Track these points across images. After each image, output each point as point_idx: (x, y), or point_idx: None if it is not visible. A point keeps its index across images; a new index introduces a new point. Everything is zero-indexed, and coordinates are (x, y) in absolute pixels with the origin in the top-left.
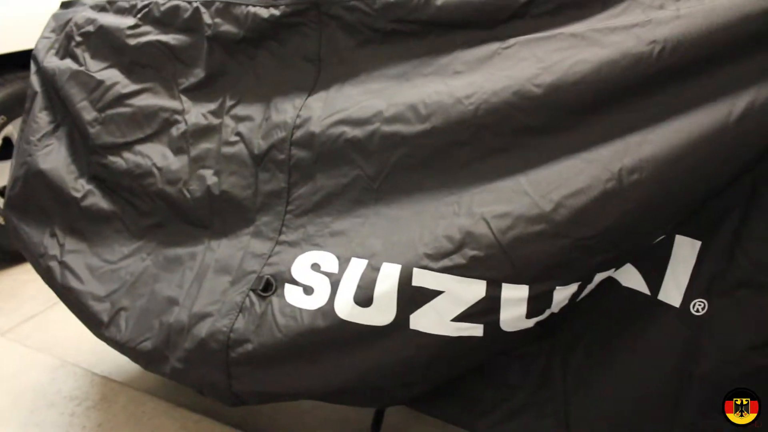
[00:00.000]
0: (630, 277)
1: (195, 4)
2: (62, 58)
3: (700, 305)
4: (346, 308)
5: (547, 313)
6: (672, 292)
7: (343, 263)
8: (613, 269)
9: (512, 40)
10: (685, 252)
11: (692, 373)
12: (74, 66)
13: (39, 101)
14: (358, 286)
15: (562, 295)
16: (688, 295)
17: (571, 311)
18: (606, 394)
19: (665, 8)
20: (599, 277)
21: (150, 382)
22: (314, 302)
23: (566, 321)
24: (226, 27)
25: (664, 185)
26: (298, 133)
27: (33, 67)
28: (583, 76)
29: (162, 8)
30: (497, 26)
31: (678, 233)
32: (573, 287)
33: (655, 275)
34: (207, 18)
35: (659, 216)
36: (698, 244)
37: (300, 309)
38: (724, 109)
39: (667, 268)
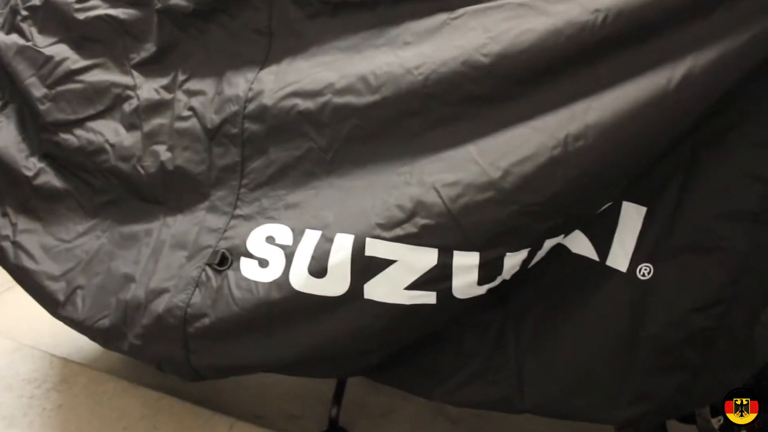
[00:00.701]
0: (579, 244)
1: None
2: (8, 33)
3: (645, 269)
4: (300, 279)
5: (498, 279)
6: (619, 258)
7: (298, 235)
8: (562, 235)
9: (461, 11)
10: (631, 218)
11: (639, 336)
12: (21, 41)
13: None
14: (312, 257)
15: (512, 261)
16: (635, 260)
17: (522, 279)
18: (557, 358)
19: None
20: (549, 244)
21: (110, 362)
22: (269, 275)
23: (518, 288)
24: (176, 0)
25: (608, 151)
26: (251, 107)
27: None
28: (529, 45)
29: None
30: None
31: (625, 200)
32: (523, 253)
33: (603, 241)
34: None
35: (604, 181)
36: (644, 209)
37: (255, 282)
38: (664, 76)
39: (614, 234)
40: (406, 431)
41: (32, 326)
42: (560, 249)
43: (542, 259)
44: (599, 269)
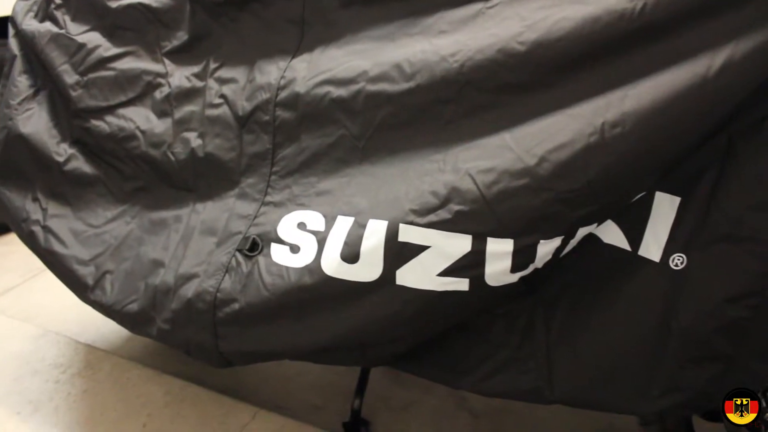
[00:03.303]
0: (611, 234)
1: None
2: (41, 21)
3: (678, 260)
4: (332, 265)
5: (531, 267)
6: (652, 248)
7: (330, 221)
8: (596, 224)
9: (495, 0)
10: (664, 208)
11: (671, 327)
12: (54, 29)
13: (18, 65)
14: (345, 243)
15: (545, 249)
16: (668, 250)
17: (553, 268)
18: (587, 348)
19: None
20: (582, 232)
21: (134, 349)
22: (301, 260)
23: (548, 278)
24: None
25: (645, 139)
26: (283, 94)
27: (11, 31)
28: (566, 32)
29: None
30: None
31: (658, 190)
32: (557, 241)
33: (635, 231)
34: None
35: (640, 169)
36: (677, 200)
37: (286, 267)
38: (703, 65)
39: (647, 224)
40: (427, 424)
41: (58, 313)
42: (592, 239)
43: (573, 249)
44: (631, 259)
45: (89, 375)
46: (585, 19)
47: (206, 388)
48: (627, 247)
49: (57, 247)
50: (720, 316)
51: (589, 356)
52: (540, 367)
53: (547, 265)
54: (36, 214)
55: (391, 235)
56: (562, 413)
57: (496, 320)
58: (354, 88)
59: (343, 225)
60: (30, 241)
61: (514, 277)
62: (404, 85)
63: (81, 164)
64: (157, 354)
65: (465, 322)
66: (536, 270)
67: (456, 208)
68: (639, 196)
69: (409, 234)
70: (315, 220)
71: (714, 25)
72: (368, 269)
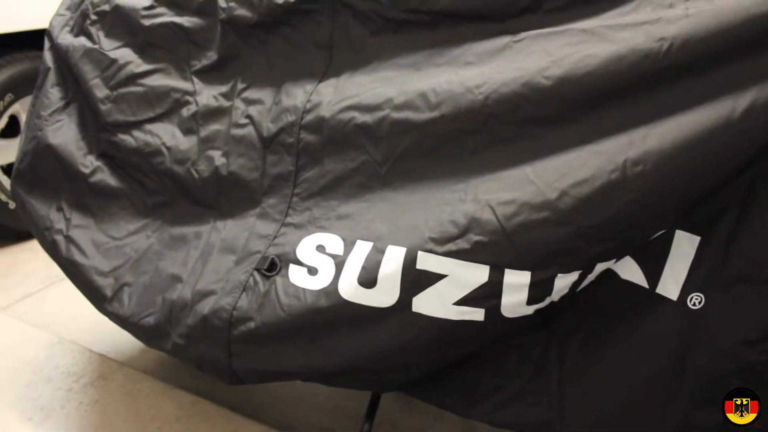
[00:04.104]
0: (629, 270)
1: None
2: (76, 35)
3: (697, 299)
4: (349, 289)
5: (547, 300)
6: (670, 286)
7: (348, 245)
8: (614, 260)
9: (523, 34)
10: (684, 247)
11: (686, 366)
12: (88, 44)
13: (51, 77)
14: (363, 268)
15: (563, 282)
16: (686, 289)
17: (569, 302)
18: (600, 383)
19: (675, 7)
20: (600, 268)
21: (147, 362)
22: (318, 283)
23: (564, 312)
24: (241, 11)
25: (666, 178)
26: (308, 118)
27: (47, 44)
28: (591, 69)
29: None
30: (508, 20)
31: (678, 228)
32: (574, 275)
33: (654, 269)
34: (222, 2)
35: (660, 208)
36: (697, 239)
37: (304, 289)
38: (728, 106)
39: (666, 263)
40: None
41: (73, 322)
42: (609, 274)
43: (591, 284)
44: (648, 296)
45: (102, 385)
46: (611, 57)
47: (217, 405)
48: (645, 284)
49: (78, 257)
50: (736, 359)
51: (601, 391)
52: (552, 400)
53: (563, 298)
54: (59, 223)
55: (410, 262)
56: None
57: (509, 351)
58: (379, 114)
59: (362, 249)
60: (52, 249)
61: (530, 309)
62: (429, 115)
63: (106, 177)
64: (169, 368)
65: (479, 351)
66: (552, 303)
67: (475, 238)
68: (659, 233)
69: (427, 262)
70: (334, 243)
71: (740, 68)
72: (385, 295)
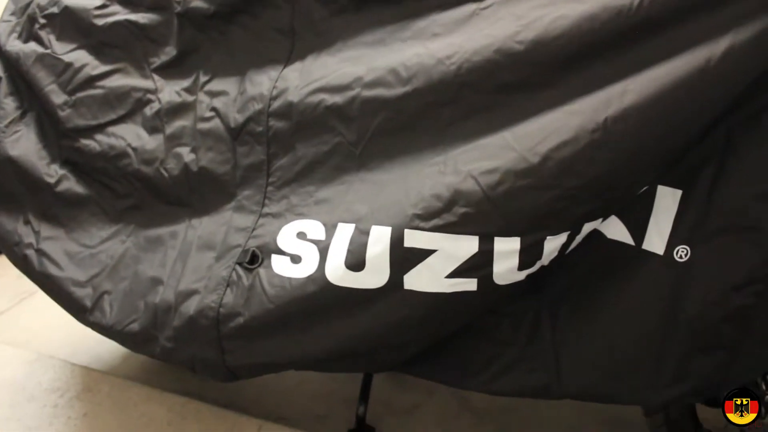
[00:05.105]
0: (615, 229)
1: None
2: (26, 41)
3: (683, 251)
4: (337, 273)
5: (537, 265)
6: (655, 241)
7: (330, 229)
8: (601, 219)
9: (489, 0)
10: (666, 201)
11: (677, 318)
12: (39, 49)
13: (3, 87)
14: (349, 251)
15: (552, 245)
16: (671, 243)
17: (557, 266)
18: (594, 343)
19: None
20: (587, 228)
21: (131, 368)
22: (303, 270)
23: (553, 275)
24: (197, 3)
25: (648, 133)
26: (276, 104)
27: None
28: (563, 30)
29: None
30: None
31: (660, 183)
32: (563, 237)
33: (638, 226)
34: None
35: (644, 163)
36: (679, 193)
37: (289, 278)
38: (704, 54)
39: (650, 218)
40: (432, 427)
41: (48, 336)
42: (595, 234)
43: (577, 246)
44: (636, 253)
45: (88, 398)
46: (582, 16)
47: (208, 404)
48: (631, 242)
49: (52, 269)
50: (726, 305)
51: (596, 350)
52: (548, 363)
53: (552, 261)
54: (29, 237)
55: (397, 241)
56: (566, 409)
57: (502, 320)
58: (349, 94)
59: (345, 232)
60: (24, 264)
61: (522, 275)
62: (401, 90)
63: (73, 184)
64: (154, 372)
65: (471, 323)
66: (542, 267)
67: (461, 210)
68: (642, 190)
69: (414, 239)
70: (315, 229)
71: (712, 17)
72: (375, 276)
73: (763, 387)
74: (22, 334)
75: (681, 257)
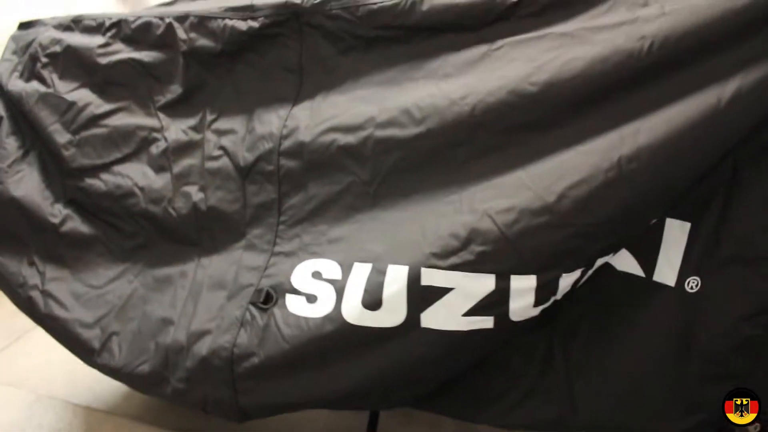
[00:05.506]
0: (625, 262)
1: (168, 20)
2: (27, 80)
3: (693, 283)
4: (354, 313)
5: (551, 300)
6: (666, 273)
7: (346, 269)
8: (612, 254)
9: (500, 42)
10: (676, 234)
11: (689, 348)
12: (42, 88)
13: (5, 127)
14: (365, 291)
15: (566, 281)
16: (682, 274)
17: (568, 298)
18: (609, 374)
19: (650, 6)
20: (599, 262)
21: (134, 407)
22: (319, 310)
23: (564, 308)
24: (203, 41)
25: (660, 171)
26: (287, 143)
27: None
28: (577, 72)
29: (132, 26)
30: (483, 29)
31: (668, 217)
32: (576, 273)
33: (648, 258)
34: (181, 33)
35: (656, 199)
36: (688, 225)
37: (305, 318)
38: (714, 95)
39: (659, 251)
40: None
41: (46, 375)
42: (606, 267)
43: (589, 278)
44: (646, 285)
45: None
46: (594, 58)
47: None
48: (641, 274)
49: (58, 311)
50: (736, 335)
51: (610, 382)
52: (562, 396)
53: (565, 295)
54: (33, 278)
55: (414, 280)
56: None
57: (514, 353)
58: (362, 134)
59: (361, 272)
60: (28, 306)
61: (537, 311)
62: (414, 130)
63: (78, 224)
64: (156, 410)
65: (488, 355)
66: (555, 301)
67: (478, 249)
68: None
69: (431, 277)
70: (330, 268)
71: (721, 59)
72: (392, 315)
73: None
74: (20, 373)
75: (692, 288)
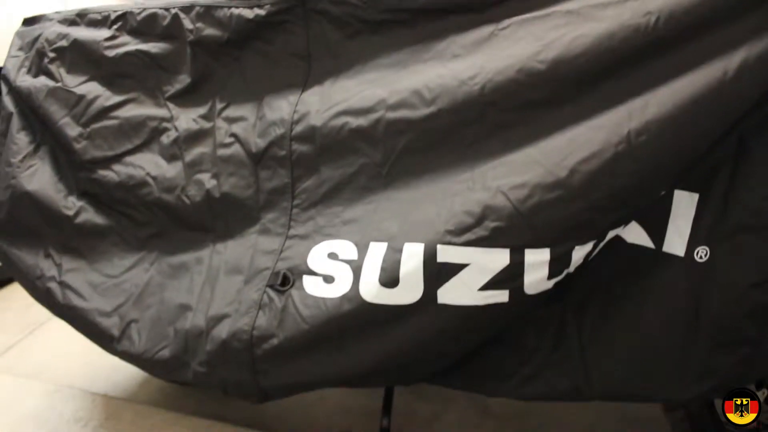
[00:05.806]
0: (634, 234)
1: (173, 11)
2: (35, 75)
3: (703, 252)
4: (372, 291)
5: (564, 273)
6: (676, 243)
7: (362, 249)
8: (622, 226)
9: (507, 21)
10: (684, 205)
11: (700, 316)
12: (50, 83)
13: (16, 122)
14: (382, 269)
15: (579, 254)
16: (691, 244)
17: (579, 271)
18: (621, 344)
19: None
20: (610, 234)
21: (151, 394)
22: (337, 290)
23: (575, 281)
24: (210, 30)
25: (669, 143)
26: (298, 128)
27: (4, 88)
28: (584, 49)
29: (138, 17)
30: (488, 9)
31: (677, 188)
32: (589, 246)
33: (658, 229)
34: (188, 23)
35: (665, 171)
36: (696, 196)
37: (323, 298)
38: (720, 68)
39: (668, 222)
40: None
41: (63, 365)
42: (616, 240)
43: (599, 251)
44: (656, 256)
45: (112, 426)
46: (601, 35)
47: (232, 425)
48: (651, 245)
49: (76, 301)
50: (746, 302)
51: (623, 352)
52: (576, 367)
53: (576, 268)
54: (51, 270)
55: (430, 257)
56: (585, 409)
57: (527, 327)
58: (373, 116)
59: (377, 251)
60: (47, 298)
61: (550, 284)
62: (425, 111)
63: (92, 216)
64: (174, 396)
65: (503, 329)
66: (567, 274)
67: (492, 224)
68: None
69: (447, 254)
70: (346, 248)
71: (727, 31)
72: (409, 292)
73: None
74: (37, 365)
75: (701, 258)
